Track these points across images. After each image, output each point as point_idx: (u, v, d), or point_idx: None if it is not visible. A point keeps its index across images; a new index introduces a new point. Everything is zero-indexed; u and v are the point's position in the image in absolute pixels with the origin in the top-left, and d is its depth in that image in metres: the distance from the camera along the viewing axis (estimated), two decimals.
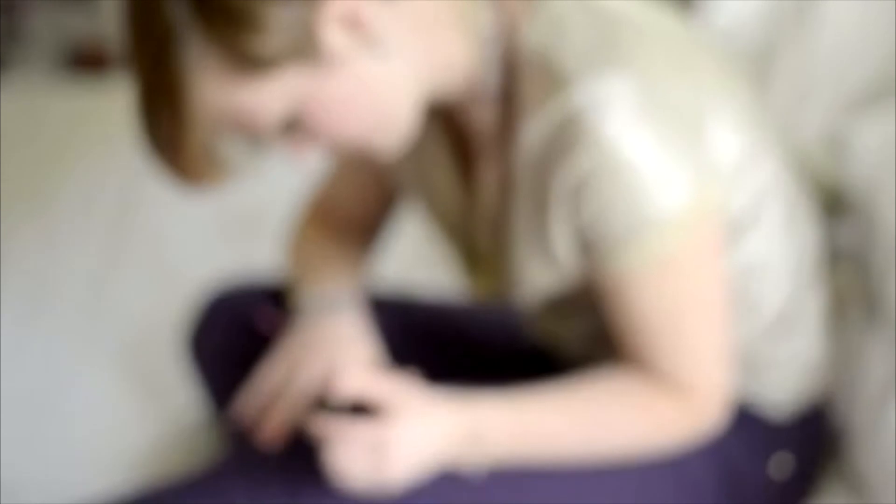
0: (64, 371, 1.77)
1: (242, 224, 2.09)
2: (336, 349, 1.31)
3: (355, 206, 1.49)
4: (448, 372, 1.50)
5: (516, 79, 1.19)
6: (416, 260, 1.93)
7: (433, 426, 1.20)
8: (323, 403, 1.20)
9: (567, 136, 1.13)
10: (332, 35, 1.09)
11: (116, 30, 3.10)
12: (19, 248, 2.06)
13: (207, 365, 1.52)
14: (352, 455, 1.17)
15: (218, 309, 1.51)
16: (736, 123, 1.23)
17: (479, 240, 1.32)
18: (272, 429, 1.27)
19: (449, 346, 1.55)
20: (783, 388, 1.35)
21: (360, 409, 1.21)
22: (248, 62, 1.07)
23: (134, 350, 1.79)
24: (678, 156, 1.15)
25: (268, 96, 1.10)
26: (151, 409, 1.67)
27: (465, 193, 1.32)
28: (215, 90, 1.09)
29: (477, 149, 1.28)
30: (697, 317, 1.22)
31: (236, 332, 1.48)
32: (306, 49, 1.08)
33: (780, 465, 1.35)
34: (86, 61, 3.26)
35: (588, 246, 1.19)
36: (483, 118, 1.22)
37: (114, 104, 2.48)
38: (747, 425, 1.33)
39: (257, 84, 1.09)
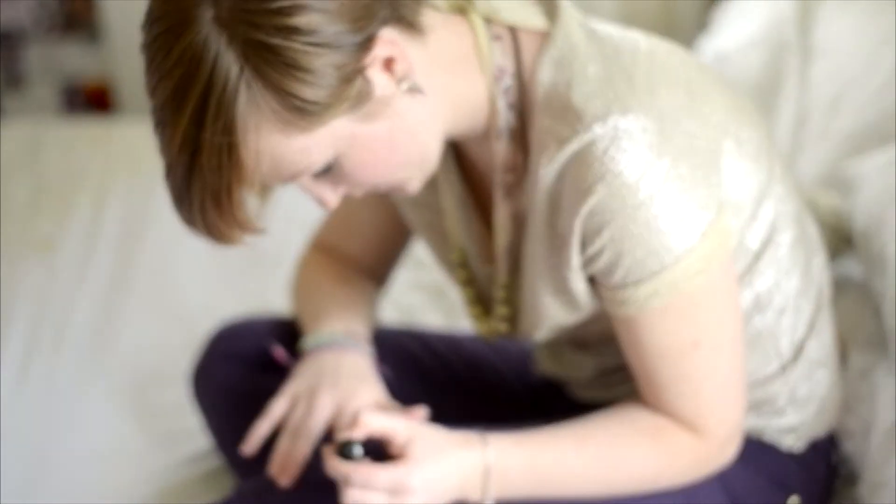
0: (68, 409, 1.76)
1: (244, 258, 2.08)
2: (345, 386, 1.30)
3: (361, 246, 1.49)
4: (458, 405, 1.50)
5: (530, 115, 1.19)
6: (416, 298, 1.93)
7: (449, 466, 1.19)
8: (339, 445, 1.19)
9: (584, 174, 1.13)
10: (378, 77, 1.09)
11: (118, 70, 3.12)
12: (22, 286, 2.05)
13: (210, 401, 1.51)
14: (371, 499, 1.16)
15: (220, 345, 1.51)
16: (750, 156, 1.23)
17: (494, 276, 1.32)
18: (285, 466, 1.26)
19: (458, 378, 1.54)
20: (797, 424, 1.34)
21: (376, 449, 1.20)
22: (301, 110, 1.05)
23: (140, 387, 1.78)
24: (695, 192, 1.15)
25: (317, 143, 1.08)
26: (159, 447, 1.65)
27: (477, 230, 1.32)
28: (269, 141, 1.06)
29: (490, 185, 1.28)
30: (712, 354, 1.21)
31: (239, 369, 1.48)
32: (355, 93, 1.07)
33: (796, 497, 1.35)
34: (86, 101, 3.27)
35: (604, 282, 1.19)
36: (497, 154, 1.22)
37: (113, 143, 2.49)
38: (763, 462, 1.33)
39: (309, 132, 1.07)
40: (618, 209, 1.13)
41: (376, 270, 1.52)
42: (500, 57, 1.19)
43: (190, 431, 1.63)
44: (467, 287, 1.38)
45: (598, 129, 1.12)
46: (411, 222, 1.41)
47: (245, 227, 1.11)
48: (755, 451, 1.33)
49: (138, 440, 1.67)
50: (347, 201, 1.44)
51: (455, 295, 1.92)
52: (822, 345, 1.35)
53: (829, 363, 1.37)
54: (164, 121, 1.07)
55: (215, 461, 1.58)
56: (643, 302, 1.17)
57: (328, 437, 1.28)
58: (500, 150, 1.22)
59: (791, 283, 1.30)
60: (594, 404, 1.41)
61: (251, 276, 2.05)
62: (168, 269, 2.08)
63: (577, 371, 1.43)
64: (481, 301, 1.38)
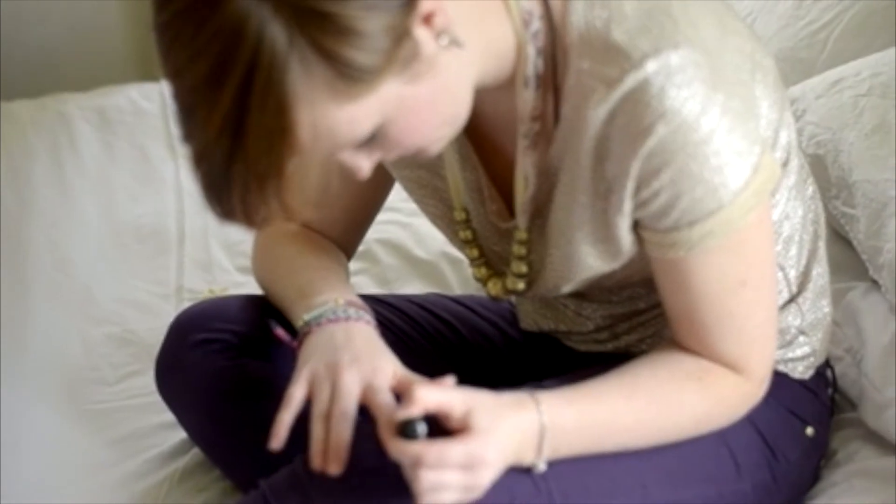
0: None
1: (137, 239, 1.97)
2: (365, 359, 1.22)
3: (329, 217, 1.41)
4: (441, 369, 1.44)
5: (563, 59, 1.14)
6: None
7: (510, 430, 1.14)
8: (400, 425, 1.11)
9: (641, 114, 1.08)
10: (423, 36, 1.02)
11: None
12: None
13: (186, 393, 1.41)
14: (446, 478, 1.10)
15: (190, 332, 1.40)
16: (771, 85, 1.23)
17: (512, 232, 1.26)
18: (328, 453, 1.17)
19: (439, 341, 1.49)
20: (808, 352, 1.36)
21: (429, 425, 1.13)
22: (355, 77, 0.97)
23: (72, 389, 1.63)
24: (747, 125, 1.13)
25: (366, 110, 1.01)
26: (116, 450, 1.51)
27: (484, 185, 1.27)
28: (322, 113, 0.98)
29: (503, 137, 1.22)
30: (756, 292, 1.20)
31: (218, 355, 1.38)
32: (405, 54, 1.00)
33: (811, 425, 1.36)
34: None
35: (655, 225, 1.15)
36: (524, 102, 1.17)
37: None
38: (781, 393, 1.33)
39: (360, 99, 0.99)
40: (678, 148, 1.09)
41: (344, 242, 1.44)
42: (529, 3, 1.13)
43: (145, 429, 1.51)
44: (472, 247, 1.32)
45: (650, 67, 1.08)
46: (406, 186, 1.34)
47: (289, 206, 1.01)
48: (773, 382, 1.32)
49: (93, 447, 1.52)
50: (314, 170, 1.36)
51: (389, 261, 1.85)
52: (823, 272, 1.37)
53: (829, 290, 1.38)
54: (196, 104, 0.96)
55: (189, 457, 1.46)
56: (696, 242, 1.15)
57: (361, 415, 1.20)
58: (528, 99, 1.16)
59: (797, 212, 1.32)
60: (593, 354, 1.39)
61: (151, 258, 1.92)
62: (63, 262, 1.91)
63: (576, 325, 1.39)
64: (488, 261, 1.32)
